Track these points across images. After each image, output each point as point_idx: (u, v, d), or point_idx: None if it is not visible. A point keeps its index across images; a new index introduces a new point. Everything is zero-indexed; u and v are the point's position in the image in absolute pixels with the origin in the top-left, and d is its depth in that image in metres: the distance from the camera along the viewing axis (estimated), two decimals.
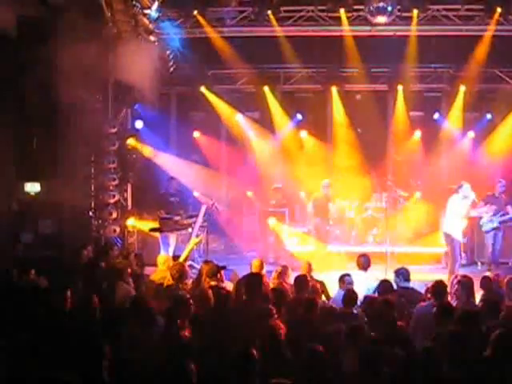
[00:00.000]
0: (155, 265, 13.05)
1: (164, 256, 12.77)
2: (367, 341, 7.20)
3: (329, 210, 17.30)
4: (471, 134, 20.38)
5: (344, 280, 10.44)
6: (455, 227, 15.03)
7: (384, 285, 10.07)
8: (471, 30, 17.32)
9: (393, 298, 9.11)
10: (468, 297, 9.61)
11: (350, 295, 9.19)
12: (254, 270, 11.36)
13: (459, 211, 14.93)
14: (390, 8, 16.30)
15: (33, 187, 16.97)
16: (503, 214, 16.62)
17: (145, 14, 15.32)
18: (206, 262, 11.73)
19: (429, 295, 10.11)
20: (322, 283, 11.21)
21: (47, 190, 16.93)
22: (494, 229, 16.75)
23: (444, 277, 11.82)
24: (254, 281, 9.43)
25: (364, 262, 11.68)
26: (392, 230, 17.30)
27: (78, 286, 10.08)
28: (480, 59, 18.34)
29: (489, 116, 20.40)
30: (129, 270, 10.61)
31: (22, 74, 15.34)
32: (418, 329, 8.33)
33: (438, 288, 9.30)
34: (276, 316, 7.98)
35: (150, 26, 15.95)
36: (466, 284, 9.72)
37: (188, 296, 8.45)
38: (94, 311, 8.02)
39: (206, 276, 10.49)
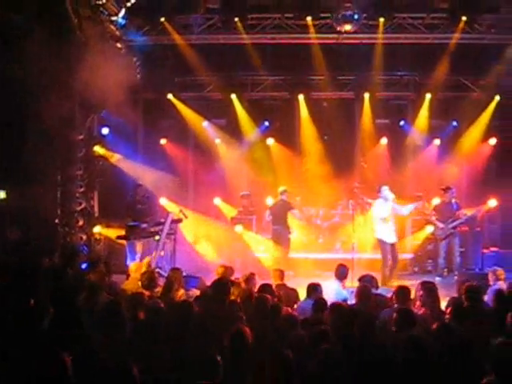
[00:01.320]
0: (122, 272, 13.03)
1: (136, 264, 12.70)
2: (333, 346, 7.25)
3: (287, 218, 17.21)
4: (437, 141, 20.52)
5: (313, 290, 10.43)
6: (383, 231, 15.30)
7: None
8: (437, 38, 17.55)
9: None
10: (433, 302, 9.69)
11: (320, 303, 9.22)
12: (219, 276, 11.38)
13: (381, 214, 15.21)
14: (356, 16, 16.44)
15: None
16: (453, 221, 16.86)
17: (112, 21, 15.28)
18: (173, 269, 11.74)
19: (394, 301, 10.21)
20: (295, 291, 11.22)
21: (13, 196, 16.82)
22: (447, 236, 17.00)
23: (410, 283, 11.91)
24: (220, 287, 9.43)
25: (342, 273, 11.71)
26: (359, 236, 17.39)
27: (40, 293, 10.02)
28: (445, 67, 18.53)
29: (454, 123, 20.56)
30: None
31: None
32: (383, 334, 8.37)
33: (401, 293, 9.36)
34: (243, 321, 8.02)
35: (117, 33, 15.92)
36: (430, 289, 9.80)
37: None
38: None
39: (174, 284, 10.49)
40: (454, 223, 17.00)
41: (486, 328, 7.78)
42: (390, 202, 15.39)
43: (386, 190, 15.49)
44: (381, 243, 15.62)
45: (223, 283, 9.70)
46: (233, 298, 9.76)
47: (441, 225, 17.09)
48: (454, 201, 17.06)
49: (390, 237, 15.63)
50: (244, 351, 6.85)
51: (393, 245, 15.64)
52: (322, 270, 15.93)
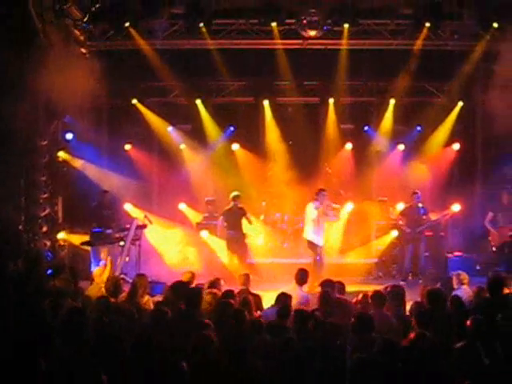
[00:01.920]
0: (87, 279, 12.94)
1: (99, 269, 12.59)
2: (296, 353, 7.25)
3: (242, 223, 17.20)
4: (401, 146, 20.65)
5: (281, 298, 10.38)
6: (314, 233, 15.38)
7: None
8: (401, 43, 17.65)
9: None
10: (398, 306, 9.73)
11: (284, 309, 9.22)
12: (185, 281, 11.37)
13: (311, 216, 15.29)
14: (321, 22, 16.49)
15: None
16: (420, 225, 16.98)
17: (76, 26, 15.18)
18: (138, 275, 11.67)
19: (359, 305, 10.23)
20: (258, 296, 11.19)
21: None
22: (413, 241, 17.12)
23: (376, 287, 11.94)
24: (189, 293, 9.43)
25: (301, 277, 11.70)
26: (324, 241, 17.43)
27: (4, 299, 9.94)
28: (409, 73, 18.64)
29: (418, 128, 20.70)
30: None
31: None
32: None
33: (376, 298, 9.39)
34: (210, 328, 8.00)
35: (82, 38, 15.82)
36: (395, 294, 9.85)
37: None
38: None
39: (139, 289, 10.43)
40: (421, 228, 17.12)
41: (447, 332, 7.83)
42: (321, 206, 15.35)
43: (323, 195, 15.45)
44: (311, 245, 15.58)
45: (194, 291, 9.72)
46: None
47: (407, 229, 17.20)
48: (420, 205, 17.16)
49: (320, 239, 15.64)
50: (208, 357, 6.83)
51: (321, 247, 15.64)
52: (287, 275, 15.89)
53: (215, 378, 6.46)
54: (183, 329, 8.24)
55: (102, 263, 14.89)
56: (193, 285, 11.27)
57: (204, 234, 17.76)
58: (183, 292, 9.66)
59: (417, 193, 17.33)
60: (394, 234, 18.11)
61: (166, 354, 6.81)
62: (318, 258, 15.44)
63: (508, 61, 15.67)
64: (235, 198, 16.92)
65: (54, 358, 6.71)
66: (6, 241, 15.86)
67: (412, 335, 7.75)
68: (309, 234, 15.67)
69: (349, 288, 11.34)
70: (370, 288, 11.60)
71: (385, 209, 19.35)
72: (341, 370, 6.74)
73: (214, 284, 11.06)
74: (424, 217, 17.29)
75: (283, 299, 10.14)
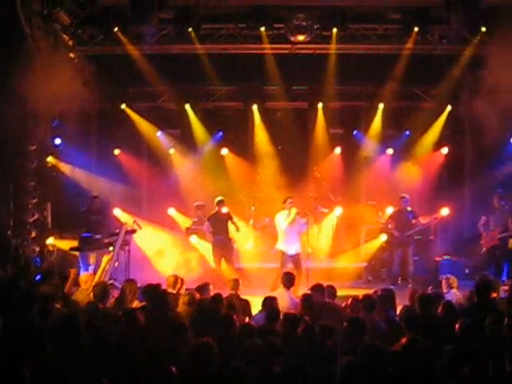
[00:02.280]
0: (76, 284, 12.90)
1: (86, 275, 12.59)
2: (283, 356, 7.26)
3: (229, 228, 17.16)
4: (390, 151, 20.71)
5: (267, 304, 10.39)
6: (284, 242, 15.34)
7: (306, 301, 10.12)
8: (389, 48, 17.72)
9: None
10: (387, 310, 9.74)
11: (272, 313, 9.22)
12: (168, 286, 11.36)
13: (281, 225, 15.24)
14: (309, 26, 16.52)
15: None
16: (409, 229, 17.04)
17: (65, 31, 15.16)
18: (128, 280, 11.67)
19: (348, 310, 10.24)
20: (247, 302, 11.19)
21: None
22: (402, 245, 17.16)
23: (366, 291, 11.95)
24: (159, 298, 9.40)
25: (288, 281, 11.71)
26: (313, 246, 17.44)
27: None
28: (398, 77, 18.70)
29: (407, 133, 20.77)
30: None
31: None
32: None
33: (367, 302, 9.40)
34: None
35: (70, 43, 15.80)
36: (385, 297, 9.86)
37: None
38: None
39: (128, 295, 10.42)
40: (410, 232, 17.15)
41: (437, 336, 7.85)
42: (290, 214, 15.29)
43: (290, 203, 15.41)
44: (281, 254, 15.52)
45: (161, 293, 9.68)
46: (181, 308, 9.78)
47: (396, 233, 17.23)
48: (409, 209, 17.19)
49: (291, 248, 15.48)
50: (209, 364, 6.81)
51: (294, 256, 15.45)
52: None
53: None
54: (156, 332, 8.24)
55: (90, 268, 14.95)
56: (175, 289, 11.31)
57: (193, 239, 17.77)
58: (153, 295, 9.63)
59: (405, 197, 17.36)
60: (383, 238, 18.13)
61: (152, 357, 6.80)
62: (288, 266, 15.31)
63: (495, 65, 15.72)
64: (219, 203, 16.87)
65: (45, 364, 6.68)
66: None
67: (404, 340, 7.77)
68: (281, 244, 15.59)
69: (339, 292, 11.31)
70: (360, 292, 11.63)
71: (374, 213, 19.37)
72: (331, 374, 6.73)
73: (203, 288, 11.08)
74: (413, 221, 17.31)
75: (269, 303, 10.17)
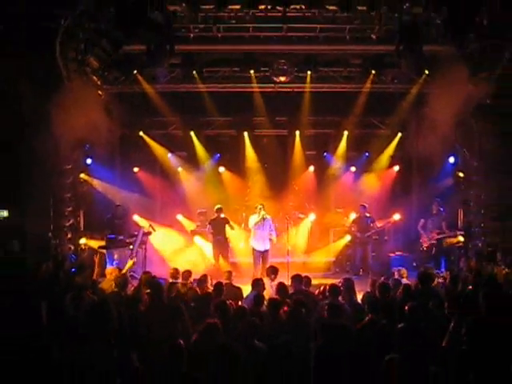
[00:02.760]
0: (103, 276, 12.91)
1: (111, 268, 12.58)
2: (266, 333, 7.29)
3: (225, 229, 17.07)
4: (353, 168, 20.76)
5: (255, 284, 10.43)
6: (255, 240, 15.39)
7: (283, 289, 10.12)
8: (352, 87, 17.75)
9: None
10: (351, 295, 9.77)
11: (258, 297, 9.24)
12: (170, 277, 11.45)
13: (251, 225, 15.41)
14: (289, 70, 16.57)
15: (1, 213, 16.71)
16: (368, 231, 17.31)
17: (94, 73, 15.17)
18: (144, 272, 11.69)
19: (320, 296, 10.26)
20: (239, 289, 11.21)
21: (14, 215, 16.62)
22: (362, 243, 17.24)
23: (333, 281, 11.96)
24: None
25: (272, 272, 11.73)
26: (292, 244, 17.44)
27: (37, 293, 9.91)
28: (359, 110, 18.75)
29: (366, 154, 20.83)
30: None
31: None
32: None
33: (333, 289, 9.42)
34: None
35: (99, 83, 15.80)
36: (349, 285, 9.90)
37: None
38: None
39: (143, 284, 10.42)
40: (369, 233, 17.25)
41: (392, 316, 7.87)
42: (258, 217, 15.24)
43: (259, 209, 15.38)
44: (252, 251, 15.44)
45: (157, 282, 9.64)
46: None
47: (358, 234, 17.35)
48: (368, 215, 17.30)
49: (260, 245, 15.45)
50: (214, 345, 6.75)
51: (264, 252, 15.45)
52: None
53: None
54: (155, 315, 8.28)
55: (115, 263, 14.92)
56: (176, 279, 11.33)
57: (197, 239, 17.79)
58: (150, 284, 9.61)
59: (364, 205, 17.55)
60: (348, 238, 18.18)
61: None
62: (258, 261, 15.25)
63: (435, 101, 15.80)
64: (218, 210, 16.96)
65: (79, 345, 6.64)
66: (39, 246, 15.87)
67: (366, 320, 7.80)
68: (251, 241, 15.55)
69: (313, 281, 11.32)
70: (329, 281, 11.66)
71: (340, 218, 19.44)
72: (309, 350, 6.74)
73: (202, 280, 11.09)
74: (371, 224, 17.42)
75: (257, 283, 10.24)
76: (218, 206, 17.12)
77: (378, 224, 18.02)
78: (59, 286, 10.78)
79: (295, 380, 6.52)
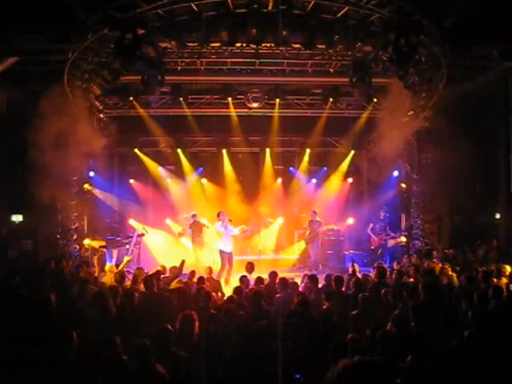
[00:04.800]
0: (103, 271, 12.80)
1: (109, 265, 12.47)
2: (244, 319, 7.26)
3: (203, 232, 17.19)
4: (314, 180, 20.84)
5: (242, 280, 10.30)
6: (222, 243, 14.99)
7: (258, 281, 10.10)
8: (313, 112, 17.85)
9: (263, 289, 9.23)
10: (315, 287, 9.76)
11: (239, 289, 9.21)
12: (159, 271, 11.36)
13: (220, 232, 15.12)
14: (261, 97, 16.61)
15: (17, 218, 16.59)
16: (316, 233, 17.22)
17: (97, 99, 15.05)
18: (138, 268, 11.62)
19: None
20: (218, 282, 11.16)
21: (28, 220, 16.51)
22: (312, 241, 17.26)
23: (296, 275, 11.97)
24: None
25: (250, 268, 11.66)
26: (263, 244, 17.45)
27: (47, 285, 9.80)
28: (319, 131, 18.85)
29: (325, 168, 20.90)
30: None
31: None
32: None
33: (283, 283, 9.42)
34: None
35: (100, 108, 15.69)
36: (313, 279, 9.90)
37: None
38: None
39: (138, 278, 10.34)
40: (313, 234, 17.14)
41: (346, 305, 7.90)
42: (224, 223, 15.07)
43: (223, 215, 15.09)
44: (220, 252, 15.00)
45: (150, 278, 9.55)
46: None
47: (307, 234, 17.34)
48: (318, 219, 17.26)
49: (227, 247, 15.00)
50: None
51: (229, 253, 15.00)
52: (240, 267, 15.66)
53: None
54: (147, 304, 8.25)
55: (113, 261, 14.77)
56: (163, 274, 11.25)
57: (183, 239, 17.71)
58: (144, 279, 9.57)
59: (315, 211, 17.50)
60: None
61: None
62: (226, 261, 14.87)
63: (382, 124, 15.91)
64: (193, 215, 17.19)
65: (86, 326, 6.56)
66: (48, 246, 15.75)
67: (324, 307, 7.81)
68: (220, 244, 15.14)
69: (280, 275, 11.25)
70: (295, 275, 11.66)
71: (303, 222, 19.45)
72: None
73: (191, 275, 11.07)
74: (318, 228, 17.26)
75: (244, 280, 10.18)
76: (193, 212, 17.19)
77: (330, 226, 18.21)
78: (65, 279, 10.64)
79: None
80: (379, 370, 3.24)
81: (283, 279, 9.62)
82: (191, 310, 7.05)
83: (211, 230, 17.25)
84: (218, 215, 15.06)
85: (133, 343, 5.67)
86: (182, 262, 11.07)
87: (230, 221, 14.95)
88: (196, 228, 17.09)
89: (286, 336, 6.38)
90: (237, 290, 9.12)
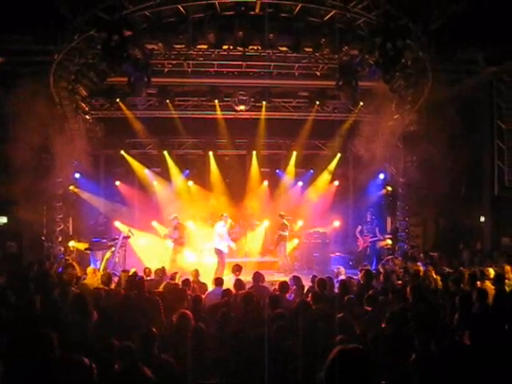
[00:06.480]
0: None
1: (91, 268, 12.31)
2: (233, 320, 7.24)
3: (184, 233, 17.21)
4: (300, 183, 20.84)
5: (218, 281, 10.29)
6: (221, 243, 15.23)
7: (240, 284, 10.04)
8: (300, 115, 17.91)
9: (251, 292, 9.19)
10: (301, 290, 9.76)
11: (226, 291, 9.16)
12: (144, 274, 11.42)
13: (219, 232, 15.29)
14: (247, 100, 16.60)
15: (1, 219, 16.46)
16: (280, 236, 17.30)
17: (83, 100, 14.95)
18: (123, 271, 11.59)
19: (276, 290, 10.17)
20: (204, 284, 11.10)
21: (12, 221, 16.34)
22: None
23: (282, 278, 11.95)
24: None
25: (236, 269, 11.61)
26: (249, 246, 17.43)
27: (30, 288, 9.70)
28: (305, 134, 18.87)
29: (311, 171, 20.91)
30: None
31: None
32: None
33: (284, 286, 9.37)
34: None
35: (86, 109, 15.58)
36: (299, 282, 9.90)
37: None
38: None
39: (123, 280, 10.29)
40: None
41: (331, 306, 7.90)
42: (225, 225, 15.16)
43: (226, 217, 15.39)
44: (219, 252, 15.28)
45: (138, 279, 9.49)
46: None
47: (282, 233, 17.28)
48: (284, 222, 17.35)
49: (225, 248, 15.37)
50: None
51: (225, 253, 15.39)
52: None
53: None
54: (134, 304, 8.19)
55: (98, 263, 14.67)
56: (149, 277, 11.22)
57: (169, 242, 17.61)
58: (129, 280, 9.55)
59: (280, 214, 17.68)
60: (295, 241, 18.26)
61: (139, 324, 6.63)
62: (223, 261, 15.13)
63: (368, 128, 16.00)
64: (175, 217, 17.03)
65: (65, 328, 6.47)
66: (33, 248, 15.61)
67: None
68: (216, 243, 15.38)
69: (266, 278, 11.23)
70: (280, 278, 11.64)
71: (290, 225, 19.42)
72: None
73: (174, 277, 11.01)
74: (284, 230, 17.28)
75: (218, 282, 10.14)
76: (174, 214, 17.14)
77: (320, 229, 18.26)
78: (49, 282, 10.54)
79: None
80: (360, 356, 3.26)
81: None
82: (185, 309, 7.07)
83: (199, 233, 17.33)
84: (221, 216, 15.39)
85: (116, 345, 5.60)
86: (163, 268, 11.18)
87: (232, 225, 15.04)
88: (180, 230, 17.06)
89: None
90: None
